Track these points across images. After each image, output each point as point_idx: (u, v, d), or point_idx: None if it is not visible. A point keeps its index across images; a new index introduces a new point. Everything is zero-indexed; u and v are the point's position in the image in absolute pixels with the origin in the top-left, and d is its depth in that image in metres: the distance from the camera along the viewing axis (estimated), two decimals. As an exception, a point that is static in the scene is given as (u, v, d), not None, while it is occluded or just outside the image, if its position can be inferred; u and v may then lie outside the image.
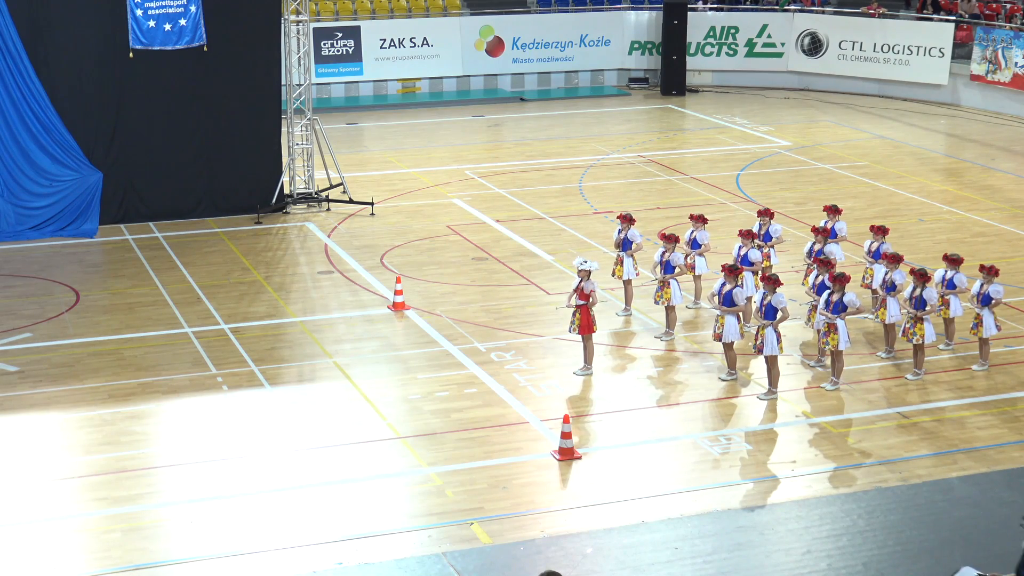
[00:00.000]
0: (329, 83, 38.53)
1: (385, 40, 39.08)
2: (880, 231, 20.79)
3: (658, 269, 20.23)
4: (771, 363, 18.15)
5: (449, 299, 22.12)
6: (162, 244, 25.28)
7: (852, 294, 18.31)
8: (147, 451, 16.72)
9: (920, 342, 18.67)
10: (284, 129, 27.89)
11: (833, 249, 20.61)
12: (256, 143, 27.20)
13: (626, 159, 32.12)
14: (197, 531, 14.66)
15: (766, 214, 21.73)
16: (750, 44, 40.89)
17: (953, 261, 19.38)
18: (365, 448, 16.71)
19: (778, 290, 18.09)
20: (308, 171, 28.02)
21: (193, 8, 26.22)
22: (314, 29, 35.23)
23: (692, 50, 40.66)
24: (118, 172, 26.34)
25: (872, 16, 40.06)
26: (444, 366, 19.33)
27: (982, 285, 18.98)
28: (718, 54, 41.11)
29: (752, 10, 41.52)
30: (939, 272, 19.50)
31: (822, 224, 21.26)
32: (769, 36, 40.74)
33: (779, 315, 18.02)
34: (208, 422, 17.51)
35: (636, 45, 41.32)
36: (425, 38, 39.35)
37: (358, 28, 38.88)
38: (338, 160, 28.15)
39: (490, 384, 18.64)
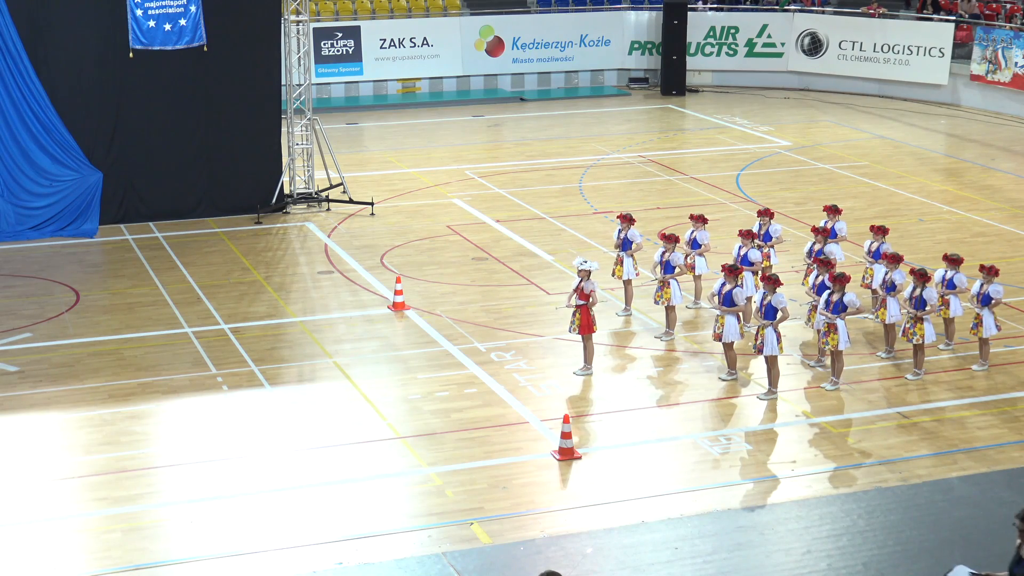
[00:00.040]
0: (329, 83, 38.54)
1: (385, 40, 39.09)
2: (880, 231, 20.79)
3: (658, 269, 20.23)
4: (771, 363, 18.15)
5: (449, 299, 22.12)
6: (162, 244, 25.29)
7: (852, 294, 18.31)
8: (147, 451, 16.72)
9: (920, 342, 18.67)
10: (284, 129, 27.90)
11: (833, 249, 20.61)
12: (256, 143, 27.20)
13: (626, 159, 32.12)
14: (197, 531, 14.66)
15: (766, 214, 21.73)
16: (750, 44, 40.89)
17: (953, 261, 19.38)
18: (365, 448, 16.71)
19: (778, 290, 18.09)
20: (308, 171, 28.03)
21: (193, 8, 26.22)
22: (314, 29, 35.23)
23: (692, 50, 40.66)
24: (118, 172, 26.34)
25: (872, 16, 40.06)
26: (444, 366, 19.33)
27: (982, 285, 18.98)
28: (718, 54, 41.12)
29: (752, 10, 41.53)
30: (939, 272, 19.50)
31: (822, 224, 21.26)
32: (769, 36, 40.74)
33: (779, 315, 18.02)
34: (208, 422, 17.52)
35: (636, 45, 41.33)
36: (425, 38, 39.36)
37: (358, 28, 38.88)
38: (338, 160, 28.15)
39: (490, 384, 18.64)
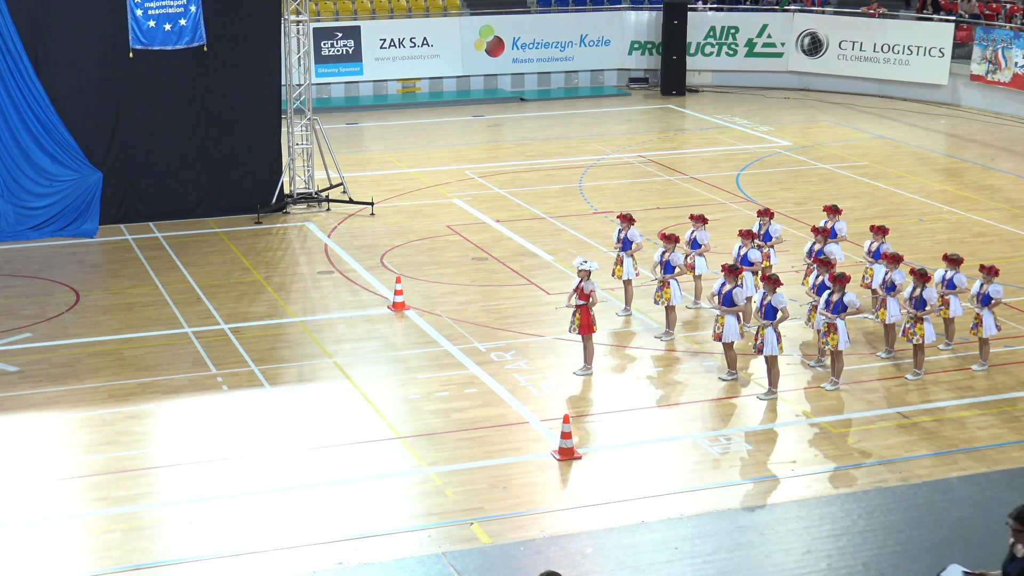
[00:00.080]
0: (329, 83, 38.54)
1: (385, 40, 39.09)
2: (880, 231, 20.79)
3: (658, 269, 20.23)
4: (771, 363, 18.15)
5: (449, 299, 22.12)
6: (162, 244, 25.29)
7: (852, 294, 18.31)
8: (147, 451, 16.72)
9: (920, 342, 18.67)
10: (284, 129, 27.90)
11: (833, 249, 20.61)
12: (256, 143, 27.20)
13: (626, 159, 32.12)
14: (197, 531, 14.66)
15: (766, 214, 21.73)
16: (750, 44, 40.89)
17: (953, 261, 19.38)
18: (365, 448, 16.71)
19: (778, 290, 18.09)
20: (308, 171, 28.03)
21: (193, 8, 26.22)
22: (314, 29, 35.23)
23: (692, 50, 40.67)
24: (118, 172, 26.34)
25: (872, 16, 40.06)
26: (444, 366, 19.33)
27: (982, 285, 18.98)
28: (718, 54, 41.12)
29: (752, 10, 41.52)
30: (939, 272, 19.50)
31: (822, 224, 21.26)
32: (769, 36, 40.75)
33: (779, 315, 18.02)
34: (208, 422, 17.51)
35: (636, 45, 41.33)
36: (425, 38, 39.36)
37: (358, 28, 38.88)
38: (338, 160, 28.16)
39: (490, 384, 18.63)
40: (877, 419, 17.66)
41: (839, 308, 18.09)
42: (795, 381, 18.81)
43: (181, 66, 26.41)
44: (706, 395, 18.42)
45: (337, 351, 19.91)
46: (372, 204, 27.51)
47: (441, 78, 39.83)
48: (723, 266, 18.78)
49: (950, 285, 19.35)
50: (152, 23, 26.01)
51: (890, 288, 19.17)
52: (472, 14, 40.45)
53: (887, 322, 19.41)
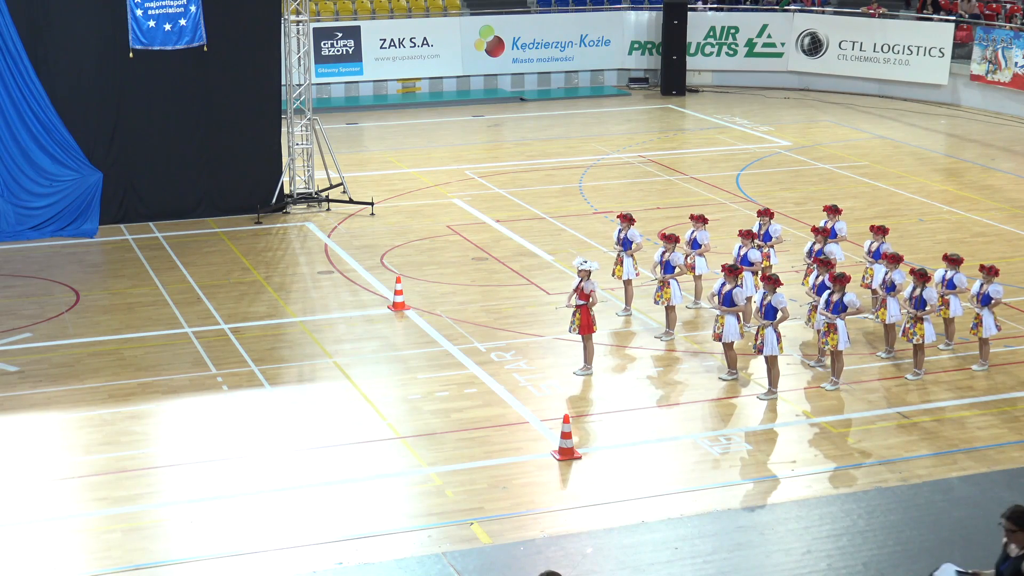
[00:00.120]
0: (329, 83, 38.54)
1: (385, 40, 39.09)
2: (880, 231, 20.79)
3: (658, 269, 20.23)
4: (771, 363, 18.15)
5: (449, 299, 22.12)
6: (162, 244, 25.29)
7: (852, 294, 18.31)
8: (147, 451, 16.72)
9: (920, 342, 18.67)
10: (284, 129, 27.90)
11: (833, 249, 20.61)
12: (256, 143, 27.20)
13: (626, 159, 32.12)
14: (197, 531, 14.66)
15: (766, 214, 21.73)
16: (750, 44, 40.89)
17: (953, 261, 19.38)
18: (365, 448, 16.71)
19: (778, 290, 18.09)
20: (308, 171, 28.03)
21: (193, 8, 26.22)
22: (314, 29, 35.22)
23: (692, 50, 40.66)
24: (118, 172, 26.34)
25: (872, 16, 40.06)
26: (444, 366, 19.33)
27: (982, 285, 18.98)
28: (718, 54, 41.12)
29: (752, 10, 41.52)
30: (939, 272, 19.50)
31: (822, 224, 21.26)
32: (769, 36, 40.75)
33: (779, 315, 18.02)
34: (208, 422, 17.51)
35: (636, 45, 41.33)
36: (425, 38, 39.36)
37: (358, 28, 38.88)
38: (338, 160, 28.15)
39: (490, 384, 18.63)
40: (877, 419, 17.66)
41: (839, 308, 18.09)
42: (795, 381, 18.81)
43: (181, 66, 26.41)
44: (706, 395, 18.42)
45: (337, 351, 19.91)
46: (372, 204, 27.51)
47: (441, 78, 39.83)
48: (723, 266, 18.78)
49: (950, 285, 19.34)
50: (152, 23, 26.01)
51: (890, 288, 19.17)
52: (472, 14, 40.45)
53: (887, 322, 19.41)
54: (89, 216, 25.96)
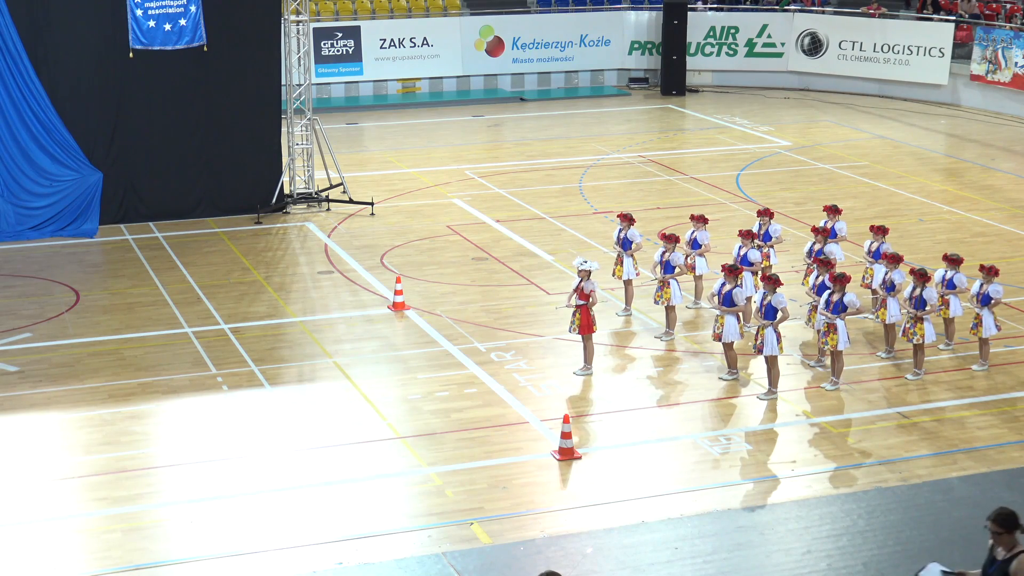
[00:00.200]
0: (329, 83, 38.54)
1: (385, 40, 39.09)
2: (880, 231, 20.79)
3: (658, 269, 20.23)
4: (771, 363, 18.15)
5: (449, 299, 22.12)
6: (162, 244, 25.29)
7: (852, 294, 18.31)
8: (147, 451, 16.72)
9: (920, 342, 18.67)
10: (284, 129, 27.90)
11: (833, 249, 20.61)
12: (256, 143, 27.20)
13: (626, 159, 32.12)
14: (197, 531, 14.66)
15: (766, 214, 21.73)
16: (750, 44, 40.89)
17: (953, 261, 19.38)
18: (365, 448, 16.71)
19: (778, 290, 18.09)
20: (308, 171, 28.03)
21: (193, 8, 26.22)
22: (314, 29, 35.22)
23: (692, 50, 40.66)
24: (118, 172, 26.34)
25: (872, 16, 40.06)
26: (444, 366, 19.33)
27: (982, 285, 18.98)
28: (718, 54, 41.12)
29: (752, 10, 41.52)
30: (939, 272, 19.50)
31: (822, 224, 21.26)
32: (769, 36, 40.74)
33: (779, 315, 18.01)
34: (208, 422, 17.51)
35: (636, 45, 41.32)
36: (425, 38, 39.36)
37: (358, 28, 38.88)
38: (338, 160, 28.15)
39: (490, 384, 18.63)
40: (877, 419, 17.66)
41: (839, 308, 18.09)
42: (795, 381, 18.81)
43: (181, 66, 26.41)
44: (706, 395, 18.42)
45: (337, 351, 19.91)
46: (372, 204, 27.51)
47: (441, 78, 39.82)
48: (723, 266, 18.78)
49: (950, 285, 19.34)
50: (152, 23, 26.01)
51: (890, 288, 19.17)
52: (472, 14, 40.44)
53: (887, 322, 19.41)
54: (89, 216, 25.96)
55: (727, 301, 18.50)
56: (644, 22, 41.18)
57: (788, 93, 40.26)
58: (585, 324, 18.73)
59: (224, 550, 14.21)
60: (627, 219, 21.07)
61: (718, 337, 18.69)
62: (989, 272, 18.96)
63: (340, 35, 38.58)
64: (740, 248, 20.69)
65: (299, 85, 28.10)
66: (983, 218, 26.95)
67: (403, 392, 18.43)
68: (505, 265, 23.91)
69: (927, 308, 18.53)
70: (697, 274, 21.54)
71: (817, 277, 19.15)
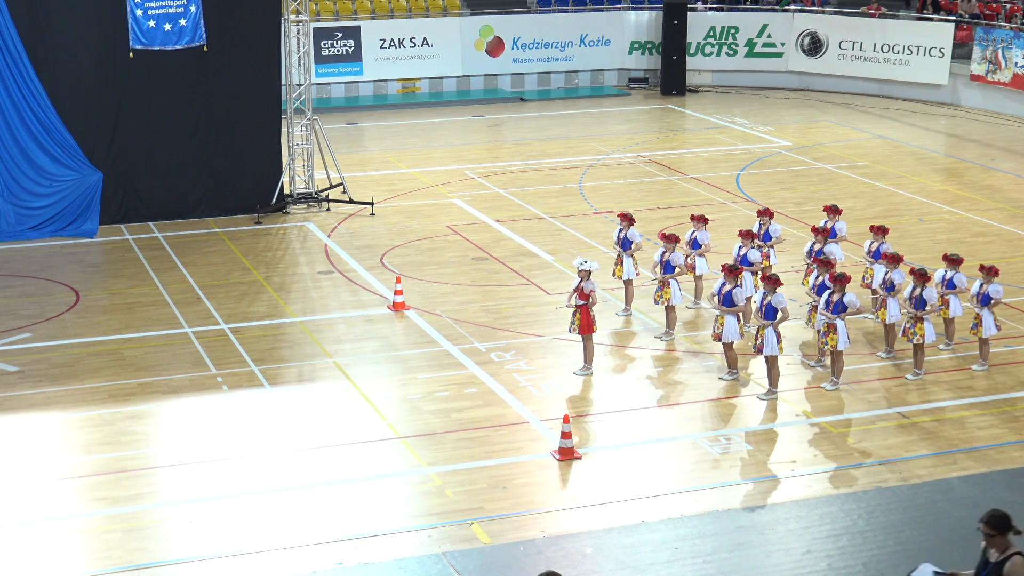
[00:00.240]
0: (329, 83, 38.54)
1: (385, 40, 39.09)
2: (880, 231, 20.79)
3: (658, 269, 20.23)
4: (771, 363, 18.15)
5: (449, 299, 22.12)
6: (162, 244, 25.29)
7: (852, 294, 18.31)
8: (147, 451, 16.72)
9: (920, 342, 18.67)
10: (284, 129, 27.90)
11: (833, 249, 20.61)
12: (256, 143, 27.20)
13: (626, 159, 32.12)
14: (197, 531, 14.66)
15: (766, 214, 21.73)
16: (750, 44, 40.89)
17: (953, 261, 19.38)
18: (365, 448, 16.71)
19: (778, 290, 18.09)
20: (308, 171, 28.03)
21: (193, 8, 26.22)
22: (314, 29, 35.22)
23: (692, 50, 40.66)
24: (118, 172, 26.34)
25: (872, 16, 40.06)
26: (444, 366, 19.33)
27: (982, 285, 18.98)
28: (718, 54, 41.12)
29: (752, 10, 41.52)
30: (939, 272, 19.50)
31: (822, 224, 21.26)
32: (769, 36, 40.74)
33: (779, 315, 18.01)
34: (208, 422, 17.51)
35: (636, 45, 41.32)
36: (425, 38, 39.36)
37: (358, 28, 38.88)
38: (338, 160, 28.15)
39: (490, 384, 18.63)
40: (877, 419, 17.66)
41: (839, 308, 18.09)
42: (795, 381, 18.81)
43: (181, 66, 26.41)
44: (706, 395, 18.42)
45: (337, 351, 19.91)
46: (372, 204, 27.51)
47: (441, 78, 39.82)
48: (723, 266, 18.78)
49: (950, 285, 19.34)
50: (152, 23, 26.01)
51: (890, 288, 19.17)
52: (472, 14, 40.45)
53: (887, 322, 19.41)
54: (89, 216, 25.96)
55: (727, 301, 18.50)
56: (644, 22, 41.18)
57: (788, 93, 40.26)
58: (585, 324, 18.73)
59: (224, 550, 14.21)
60: (627, 219, 21.07)
61: (718, 337, 18.69)
62: (989, 272, 18.96)
63: (340, 35, 38.58)
64: (740, 248, 20.69)
65: (299, 85, 28.10)
66: (983, 218, 26.95)
67: (403, 392, 18.43)
68: (505, 265, 23.91)
69: (927, 308, 18.53)
70: (697, 274, 21.54)
71: (817, 277, 19.15)
